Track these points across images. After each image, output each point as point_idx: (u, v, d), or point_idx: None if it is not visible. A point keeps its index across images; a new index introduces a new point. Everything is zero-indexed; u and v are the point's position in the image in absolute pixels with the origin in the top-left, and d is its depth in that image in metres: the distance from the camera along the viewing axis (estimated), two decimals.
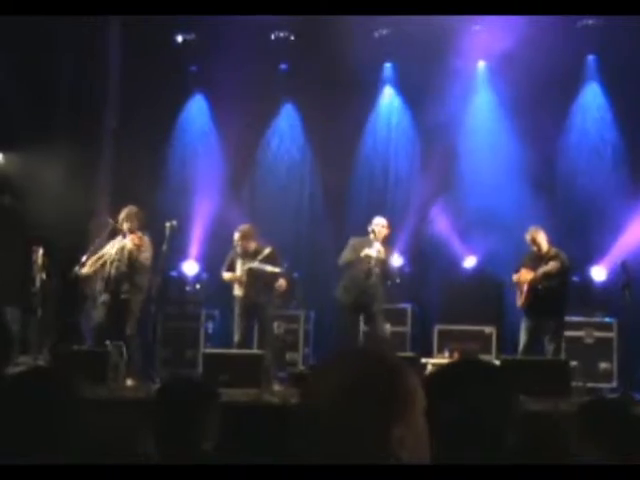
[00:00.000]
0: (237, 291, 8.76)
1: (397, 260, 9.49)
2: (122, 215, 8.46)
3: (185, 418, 2.72)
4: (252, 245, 8.71)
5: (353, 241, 8.87)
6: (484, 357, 8.81)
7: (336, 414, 1.47)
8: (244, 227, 8.81)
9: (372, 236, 8.72)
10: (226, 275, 8.83)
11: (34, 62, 10.03)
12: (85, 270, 8.41)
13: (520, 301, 8.52)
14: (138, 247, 8.33)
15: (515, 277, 8.56)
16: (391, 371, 1.52)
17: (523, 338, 8.43)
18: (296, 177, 11.42)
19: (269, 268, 8.58)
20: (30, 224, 9.77)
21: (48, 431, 1.98)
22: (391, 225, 8.99)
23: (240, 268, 8.70)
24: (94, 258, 8.41)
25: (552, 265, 8.34)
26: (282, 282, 8.68)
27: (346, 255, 8.78)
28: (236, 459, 2.70)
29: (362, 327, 9.03)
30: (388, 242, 9.02)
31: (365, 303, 8.71)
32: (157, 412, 2.78)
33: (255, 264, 8.60)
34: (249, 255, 8.69)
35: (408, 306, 10.03)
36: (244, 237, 8.68)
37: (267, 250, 8.68)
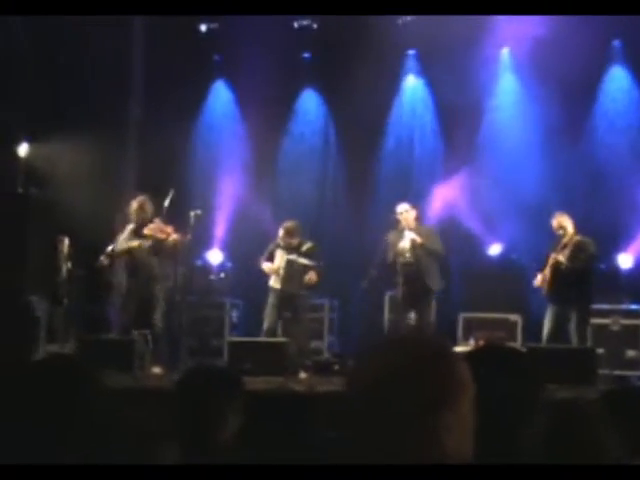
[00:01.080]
0: (273, 282, 8.82)
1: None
2: (135, 206, 8.49)
3: (205, 407, 2.68)
4: (294, 241, 8.80)
5: (389, 238, 8.89)
6: (510, 344, 8.75)
7: (383, 399, 1.45)
8: (290, 223, 8.86)
9: (402, 224, 8.77)
10: (265, 265, 8.86)
11: (59, 53, 10.06)
12: (106, 259, 8.49)
13: (545, 287, 8.44)
14: (162, 236, 8.39)
15: (539, 280, 8.47)
16: (443, 358, 1.50)
17: (548, 325, 8.34)
18: (319, 164, 11.41)
19: (302, 260, 8.66)
20: (56, 214, 9.79)
21: (69, 420, 1.97)
22: (415, 205, 9.00)
23: (279, 260, 8.78)
24: (116, 248, 8.48)
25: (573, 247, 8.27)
26: (312, 275, 8.67)
27: (388, 255, 8.84)
28: (260, 448, 2.68)
29: (412, 316, 8.96)
30: (421, 221, 9.05)
31: (417, 293, 8.75)
32: (177, 401, 2.74)
33: (293, 256, 8.70)
34: (291, 248, 8.78)
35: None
36: (289, 233, 8.76)
37: (308, 245, 8.80)
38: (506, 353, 2.04)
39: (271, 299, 8.80)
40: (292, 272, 8.69)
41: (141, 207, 8.48)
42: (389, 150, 11.12)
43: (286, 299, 8.74)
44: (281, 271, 8.71)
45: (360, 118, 10.38)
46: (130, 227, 8.54)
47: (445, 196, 10.14)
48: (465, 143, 10.32)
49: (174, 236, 8.47)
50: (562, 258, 8.26)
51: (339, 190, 11.24)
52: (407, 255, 8.73)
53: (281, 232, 8.81)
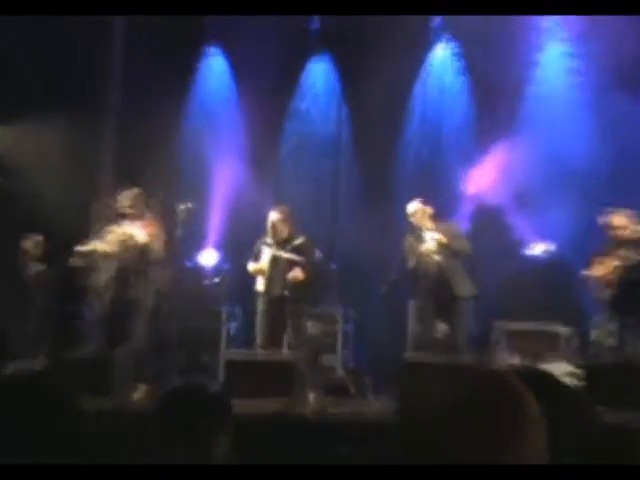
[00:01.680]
0: (259, 285, 8.77)
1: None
2: (124, 199, 8.46)
3: (185, 435, 2.68)
4: (284, 232, 8.72)
5: (408, 241, 8.87)
6: (555, 360, 8.67)
7: (440, 431, 1.51)
8: (278, 209, 8.77)
9: (419, 225, 8.78)
10: (251, 266, 8.82)
11: (32, 32, 10.07)
12: (81, 260, 8.41)
13: (601, 294, 8.40)
14: (150, 236, 8.39)
15: (590, 271, 8.43)
16: (516, 398, 1.55)
17: (603, 339, 8.31)
18: (330, 150, 11.36)
19: (286, 255, 8.62)
20: (24, 208, 9.85)
21: (39, 446, 1.99)
22: (429, 201, 8.95)
23: (265, 258, 8.72)
24: (94, 247, 8.42)
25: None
26: (296, 272, 8.59)
27: (408, 261, 8.82)
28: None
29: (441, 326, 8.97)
30: (439, 217, 8.98)
31: (445, 301, 8.74)
32: (157, 426, 2.75)
33: (278, 253, 8.64)
34: (279, 243, 8.71)
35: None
36: (277, 224, 8.67)
37: (300, 239, 8.72)
38: (542, 378, 2.08)
39: (260, 305, 8.74)
40: (276, 271, 8.65)
41: (132, 202, 8.47)
42: (413, 131, 11.10)
43: (274, 304, 8.66)
44: (266, 270, 8.68)
45: (378, 94, 10.20)
46: (118, 224, 8.51)
47: (479, 183, 10.13)
48: (503, 120, 10.27)
49: (161, 235, 8.49)
50: (622, 261, 8.23)
51: (353, 180, 11.19)
52: (434, 258, 8.74)
53: (268, 220, 8.70)
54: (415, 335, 9.71)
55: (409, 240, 8.87)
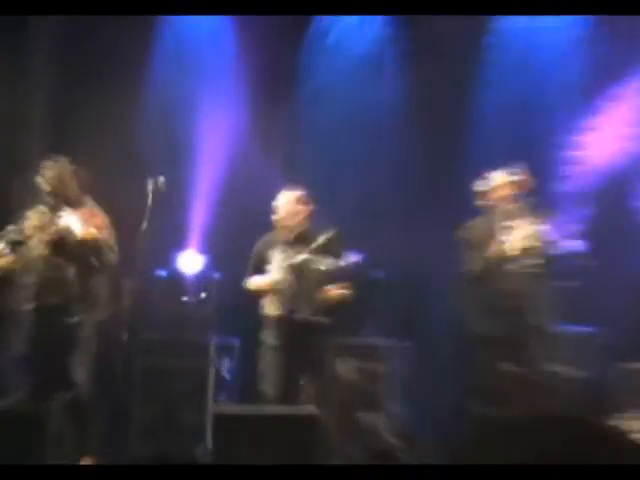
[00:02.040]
0: (270, 307, 8.45)
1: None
2: (50, 175, 8.25)
3: None
4: (298, 226, 8.51)
5: (470, 233, 8.59)
6: None
7: None
8: (291, 192, 8.58)
9: (501, 210, 8.48)
10: (253, 282, 8.52)
11: None
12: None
13: None
14: (98, 229, 8.21)
15: None
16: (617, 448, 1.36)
17: None
18: (367, 103, 11.09)
19: (315, 263, 8.36)
20: None
21: None
22: (527, 171, 8.56)
23: (277, 266, 8.40)
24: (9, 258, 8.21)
25: None
26: (334, 290, 8.35)
27: (472, 263, 8.55)
28: None
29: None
30: (531, 198, 8.53)
31: (528, 325, 8.47)
32: None
33: (303, 256, 8.32)
34: (294, 243, 8.47)
35: (580, 329, 9.79)
36: (291, 210, 8.52)
37: (325, 236, 8.40)
38: None
39: (270, 338, 8.43)
40: (300, 285, 8.35)
41: (60, 179, 8.27)
42: (493, 73, 10.97)
43: (295, 335, 8.35)
44: (282, 284, 8.35)
45: (445, 24, 10.23)
46: (35, 215, 8.27)
47: (595, 147, 10.04)
48: (632, 48, 10.18)
49: (110, 229, 8.28)
50: None
51: (403, 148, 10.92)
52: (522, 264, 8.41)
53: (277, 213, 8.58)
54: (482, 377, 9.24)
55: (477, 228, 8.58)
